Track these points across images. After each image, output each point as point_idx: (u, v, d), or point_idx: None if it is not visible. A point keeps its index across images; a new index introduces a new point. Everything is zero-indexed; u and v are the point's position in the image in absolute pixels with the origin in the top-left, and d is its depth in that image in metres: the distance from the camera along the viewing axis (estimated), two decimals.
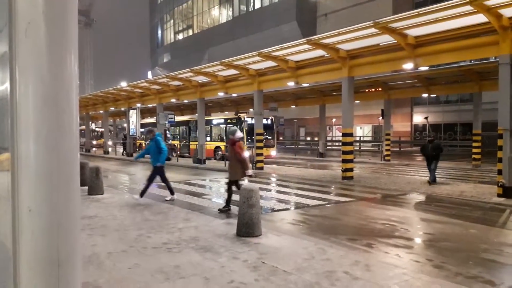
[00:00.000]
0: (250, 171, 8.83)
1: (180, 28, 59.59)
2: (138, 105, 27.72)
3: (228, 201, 8.79)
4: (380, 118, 24.31)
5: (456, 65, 17.83)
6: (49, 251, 1.65)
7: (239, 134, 9.02)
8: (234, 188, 8.69)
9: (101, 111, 34.41)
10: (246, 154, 20.99)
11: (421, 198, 10.91)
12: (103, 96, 30.81)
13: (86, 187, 10.39)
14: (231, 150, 8.86)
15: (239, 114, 23.09)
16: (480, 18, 10.08)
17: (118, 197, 10.11)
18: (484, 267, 5.31)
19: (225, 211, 8.68)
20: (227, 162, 9.48)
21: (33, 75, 1.62)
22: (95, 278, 4.41)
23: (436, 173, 13.37)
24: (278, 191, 12.40)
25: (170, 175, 16.76)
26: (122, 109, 32.27)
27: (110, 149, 32.76)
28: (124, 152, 30.47)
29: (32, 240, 1.65)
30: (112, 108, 33.01)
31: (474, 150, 19.44)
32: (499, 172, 10.20)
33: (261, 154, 18.14)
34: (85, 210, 8.17)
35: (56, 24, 1.62)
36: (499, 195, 10.13)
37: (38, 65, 1.61)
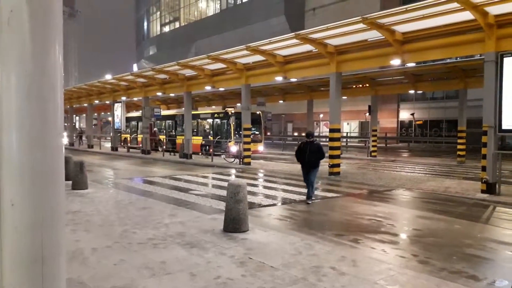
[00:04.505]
0: None
1: (167, 20, 58.95)
2: (123, 98, 27.38)
3: None
4: (367, 114, 24.47)
5: (442, 62, 18.01)
6: (33, 247, 1.60)
7: None
8: None
9: (85, 104, 33.92)
10: (234, 148, 21.01)
11: (407, 194, 11.02)
12: (87, 89, 30.34)
13: (70, 182, 10.23)
14: None
15: (226, 109, 22.98)
16: (467, 15, 10.17)
17: (103, 192, 9.98)
18: (468, 262, 5.39)
19: None
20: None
21: (16, 65, 1.56)
22: (79, 274, 4.34)
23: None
24: (265, 187, 12.39)
25: (156, 169, 16.71)
26: (107, 102, 31.86)
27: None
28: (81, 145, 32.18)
29: (16, 236, 1.60)
30: (97, 101, 32.57)
31: (459, 146, 19.70)
32: (483, 168, 10.35)
33: (249, 149, 18.10)
34: (69, 205, 8.04)
35: (40, 13, 1.56)
36: (482, 191, 10.28)
37: (22, 55, 1.55)
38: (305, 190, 9.75)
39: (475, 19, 10.08)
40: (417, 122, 34.04)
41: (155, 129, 27.57)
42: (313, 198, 9.73)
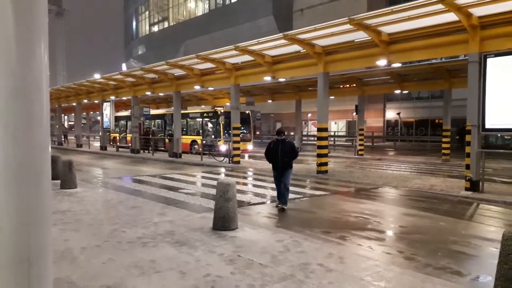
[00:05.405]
0: None
1: (156, 20, 58.60)
2: (112, 97, 27.19)
3: None
4: (354, 113, 24.65)
5: (428, 62, 18.25)
6: (19, 248, 1.60)
7: None
8: None
9: (74, 104, 33.59)
10: (223, 147, 20.97)
11: (393, 191, 11.16)
12: (76, 88, 30.05)
13: (59, 181, 10.17)
14: None
15: (215, 108, 22.96)
16: (451, 16, 10.33)
17: (92, 191, 9.93)
18: (452, 258, 5.50)
19: None
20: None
21: (0, 65, 1.57)
22: (68, 274, 4.34)
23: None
24: (254, 185, 12.44)
25: (145, 169, 16.64)
26: (96, 101, 31.59)
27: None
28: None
29: (1, 237, 1.59)
30: (85, 101, 32.28)
31: (444, 145, 19.97)
32: (467, 166, 10.54)
33: (238, 148, 18.13)
34: (57, 205, 8.00)
35: (24, 12, 1.57)
36: (466, 189, 10.47)
37: (6, 55, 1.56)
38: (293, 189, 9.65)
39: (459, 20, 10.24)
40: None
41: (153, 128, 27.36)
42: (282, 205, 8.56)
